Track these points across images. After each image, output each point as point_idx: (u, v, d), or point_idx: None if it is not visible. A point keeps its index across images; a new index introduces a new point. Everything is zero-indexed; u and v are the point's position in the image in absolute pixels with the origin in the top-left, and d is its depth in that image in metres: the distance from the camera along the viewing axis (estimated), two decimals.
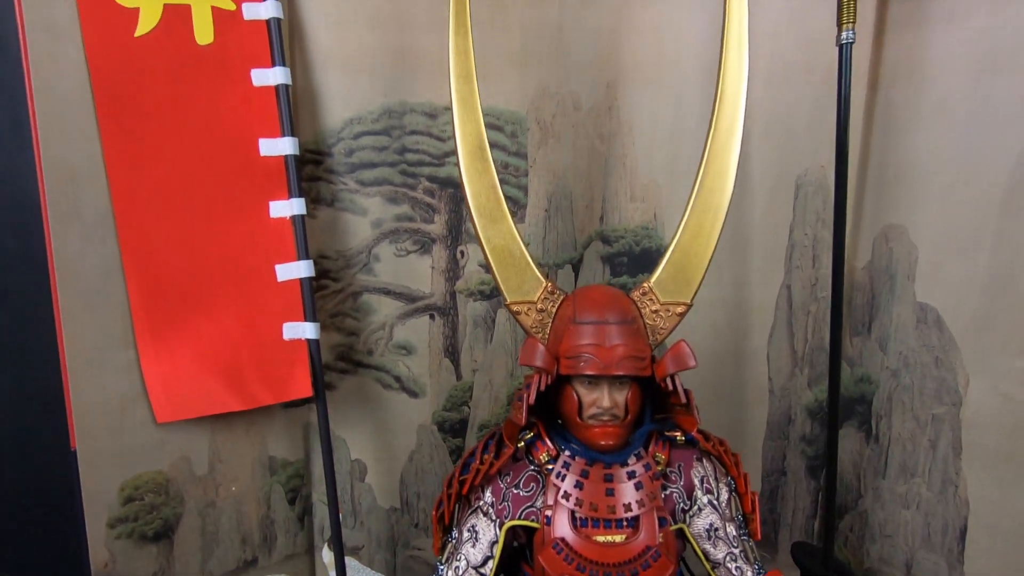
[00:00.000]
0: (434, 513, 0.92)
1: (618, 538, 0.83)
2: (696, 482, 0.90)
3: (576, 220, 1.30)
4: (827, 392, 1.27)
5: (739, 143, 0.92)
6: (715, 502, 0.90)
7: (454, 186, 1.26)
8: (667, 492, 0.88)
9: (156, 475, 1.13)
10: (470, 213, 0.93)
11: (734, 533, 0.90)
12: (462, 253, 1.29)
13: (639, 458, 0.87)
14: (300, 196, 1.12)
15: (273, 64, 1.09)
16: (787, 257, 1.35)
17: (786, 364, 1.40)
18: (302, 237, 1.13)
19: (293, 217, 1.12)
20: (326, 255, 1.26)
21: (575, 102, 1.26)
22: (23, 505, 1.16)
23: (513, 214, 1.24)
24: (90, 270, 1.04)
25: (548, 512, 0.85)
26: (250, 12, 1.08)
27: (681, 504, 0.89)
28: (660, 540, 0.83)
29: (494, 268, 0.93)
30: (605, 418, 0.84)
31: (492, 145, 0.93)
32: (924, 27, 1.19)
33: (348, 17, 1.17)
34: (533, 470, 0.90)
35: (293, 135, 1.11)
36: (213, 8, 1.06)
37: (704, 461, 0.92)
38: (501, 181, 0.94)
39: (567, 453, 0.88)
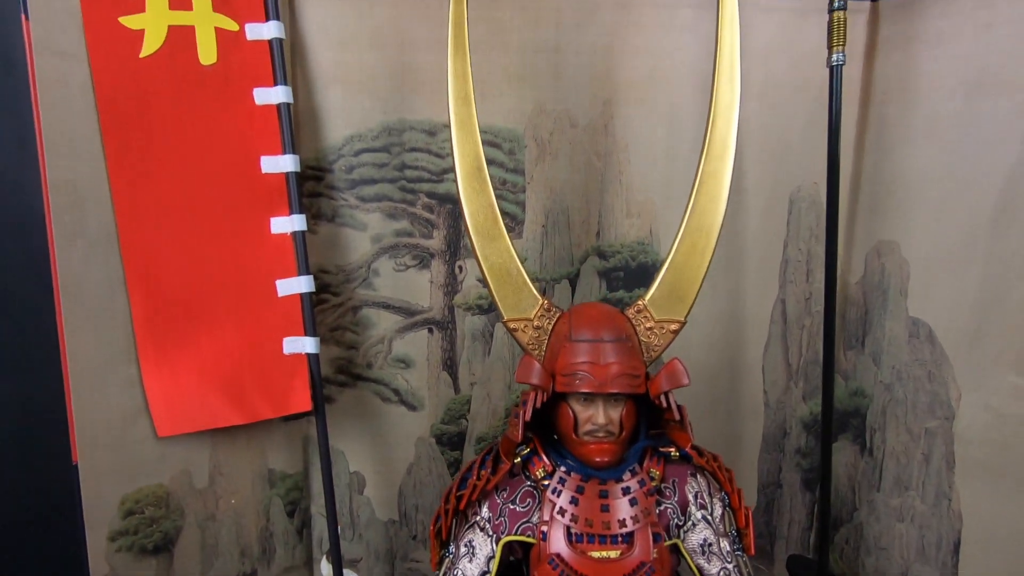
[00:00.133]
0: (431, 528, 0.93)
1: (613, 554, 0.84)
2: (690, 497, 0.91)
3: (573, 235, 1.32)
4: (821, 405, 1.28)
5: (731, 165, 0.94)
6: (709, 517, 0.91)
7: (452, 202, 1.28)
8: (661, 508, 0.90)
9: (157, 488, 1.14)
10: (468, 231, 0.95)
11: (728, 548, 0.91)
12: (460, 268, 1.31)
13: (634, 474, 0.88)
14: (301, 212, 1.14)
15: (275, 83, 1.11)
16: (781, 272, 1.37)
17: (781, 377, 1.41)
18: (302, 253, 1.14)
19: (294, 233, 1.14)
20: (326, 270, 1.28)
21: (572, 120, 1.28)
22: (24, 518, 1.17)
23: (511, 229, 1.28)
24: (93, 286, 1.06)
25: (544, 528, 0.86)
26: (253, 32, 1.11)
27: (675, 520, 0.90)
28: (654, 556, 0.84)
29: (491, 286, 0.94)
30: (600, 435, 0.86)
31: (490, 162, 0.95)
32: (914, 48, 1.21)
33: (349, 37, 1.20)
34: (529, 486, 0.91)
35: (294, 152, 1.13)
36: (217, 29, 1.09)
37: (698, 477, 0.93)
38: (499, 197, 0.96)
39: (563, 469, 0.89)
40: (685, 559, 0.90)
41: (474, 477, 0.91)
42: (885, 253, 1.30)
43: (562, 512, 0.85)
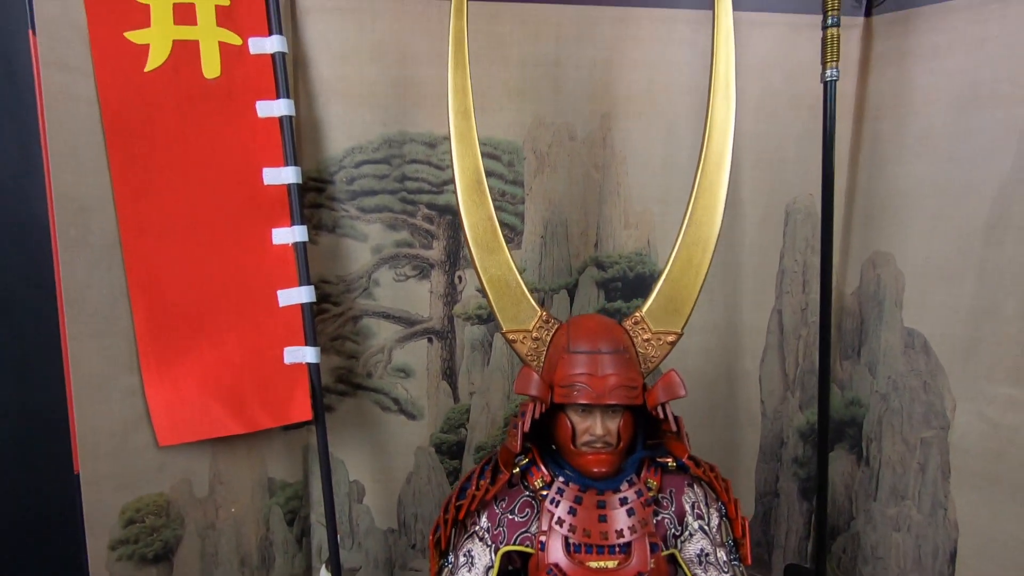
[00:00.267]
0: (431, 538, 0.94)
1: (610, 564, 0.85)
2: (687, 508, 0.92)
3: (571, 246, 1.33)
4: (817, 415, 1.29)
5: (727, 180, 0.95)
6: (706, 527, 0.92)
7: (452, 213, 1.29)
8: (659, 518, 0.90)
9: (157, 497, 1.15)
10: (468, 243, 0.96)
11: (725, 558, 0.92)
12: (460, 278, 1.32)
13: (631, 484, 0.89)
14: (302, 224, 1.15)
15: (277, 96, 1.13)
16: (778, 282, 1.39)
17: (778, 387, 1.42)
18: (303, 263, 1.16)
19: (295, 244, 1.15)
20: (327, 280, 1.29)
21: (570, 132, 1.29)
22: (25, 526, 1.17)
23: (510, 240, 1.29)
24: (96, 296, 1.07)
25: (542, 538, 0.87)
26: (256, 47, 1.12)
27: (672, 530, 0.91)
28: (652, 566, 0.85)
29: (491, 297, 0.96)
30: (598, 445, 0.86)
31: (490, 174, 0.96)
32: (907, 63, 1.23)
33: (350, 51, 1.21)
34: (528, 496, 0.92)
35: (296, 164, 1.14)
36: (220, 43, 1.10)
37: (695, 487, 0.94)
38: (498, 208, 0.97)
39: (561, 479, 0.90)
40: (682, 569, 0.91)
41: (473, 487, 0.91)
42: (880, 264, 1.31)
43: (560, 522, 0.86)
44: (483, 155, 0.96)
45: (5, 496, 1.15)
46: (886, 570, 1.35)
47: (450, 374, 1.35)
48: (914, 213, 1.26)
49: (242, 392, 1.14)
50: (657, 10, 1.26)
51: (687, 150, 1.27)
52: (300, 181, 1.15)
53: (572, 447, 0.88)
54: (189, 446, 1.15)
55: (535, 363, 0.95)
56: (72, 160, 1.03)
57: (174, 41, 1.07)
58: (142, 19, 1.05)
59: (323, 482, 1.18)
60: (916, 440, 1.29)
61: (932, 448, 1.27)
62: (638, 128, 1.30)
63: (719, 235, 0.95)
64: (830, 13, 1.13)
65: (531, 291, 0.96)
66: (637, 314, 0.95)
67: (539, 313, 0.95)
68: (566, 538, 0.86)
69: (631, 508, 0.87)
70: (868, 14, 1.26)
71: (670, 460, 0.93)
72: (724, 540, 0.94)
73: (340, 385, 1.33)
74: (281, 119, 1.13)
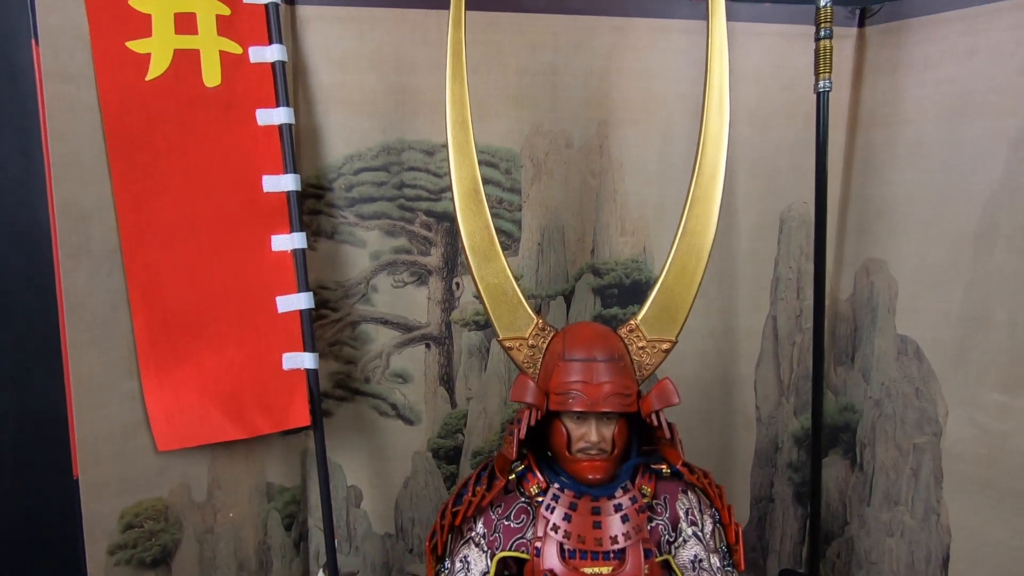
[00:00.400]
0: (428, 543, 0.95)
1: (605, 570, 0.86)
2: (681, 514, 0.93)
3: (568, 253, 1.35)
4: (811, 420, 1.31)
5: (721, 189, 0.96)
6: (699, 533, 0.93)
7: (450, 220, 1.30)
8: (653, 524, 0.91)
9: (156, 502, 1.16)
10: (465, 251, 0.97)
11: (718, 564, 0.93)
12: (457, 285, 1.33)
13: (626, 491, 0.90)
14: (301, 231, 1.16)
15: (277, 104, 1.14)
16: (772, 289, 1.40)
17: (773, 393, 1.43)
18: (302, 270, 1.17)
19: (294, 251, 1.16)
20: (326, 286, 1.30)
21: (567, 140, 1.31)
22: (25, 531, 1.18)
23: (507, 247, 1.30)
24: (97, 303, 1.08)
25: (538, 544, 0.88)
26: (256, 55, 1.13)
27: (666, 536, 0.92)
28: (646, 572, 0.86)
29: (487, 305, 0.97)
30: (593, 452, 0.87)
31: (487, 181, 0.97)
32: (899, 74, 1.25)
33: (349, 59, 1.23)
34: (524, 502, 0.93)
35: (295, 172, 1.15)
36: (221, 52, 1.11)
37: (689, 493, 0.95)
38: (495, 215, 0.98)
39: (556, 486, 0.91)
40: (676, 575, 0.92)
41: (469, 493, 0.92)
42: (874, 271, 1.33)
43: (555, 528, 0.87)
44: (481, 163, 0.97)
45: (5, 500, 1.16)
46: (880, 575, 1.36)
47: (447, 380, 1.36)
48: (906, 220, 1.27)
49: (241, 397, 1.15)
50: (654, 20, 1.27)
51: (683, 157, 1.28)
52: (299, 188, 1.16)
53: (567, 454, 0.89)
54: (188, 451, 1.16)
55: (531, 370, 0.96)
56: (74, 167, 1.04)
57: (175, 50, 1.08)
58: (144, 29, 1.06)
59: (321, 487, 1.18)
60: (909, 446, 1.30)
61: (925, 454, 1.28)
62: (634, 136, 1.31)
63: (714, 243, 0.96)
64: (823, 25, 1.15)
65: (528, 297, 0.97)
66: (632, 322, 0.96)
67: (535, 321, 0.96)
68: (561, 544, 0.87)
69: (625, 514, 0.88)
70: (861, 25, 1.28)
71: (664, 467, 0.94)
72: (717, 546, 0.95)
73: (338, 390, 1.34)
74: (281, 127, 1.14)
